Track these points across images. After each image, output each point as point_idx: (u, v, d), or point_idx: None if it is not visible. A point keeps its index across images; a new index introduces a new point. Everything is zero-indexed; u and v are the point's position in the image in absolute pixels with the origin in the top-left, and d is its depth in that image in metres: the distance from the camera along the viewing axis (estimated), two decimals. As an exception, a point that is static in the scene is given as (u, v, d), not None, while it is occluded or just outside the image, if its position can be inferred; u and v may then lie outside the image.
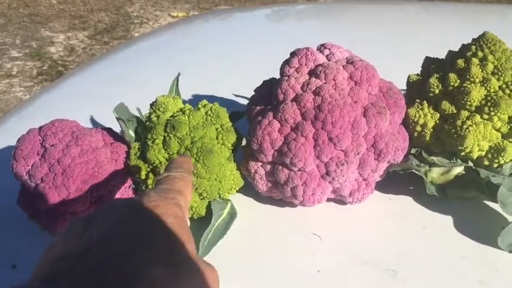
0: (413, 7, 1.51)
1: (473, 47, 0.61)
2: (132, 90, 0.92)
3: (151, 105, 0.60)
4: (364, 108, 0.58)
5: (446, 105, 0.61)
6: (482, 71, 0.60)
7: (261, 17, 1.71)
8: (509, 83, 0.59)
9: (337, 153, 0.57)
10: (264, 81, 0.66)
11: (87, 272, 0.27)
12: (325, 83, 0.58)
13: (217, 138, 0.59)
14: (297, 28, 1.51)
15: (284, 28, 1.51)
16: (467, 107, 0.59)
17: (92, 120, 0.83)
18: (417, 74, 0.67)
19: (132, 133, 0.62)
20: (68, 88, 0.99)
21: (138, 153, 0.59)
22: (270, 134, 0.58)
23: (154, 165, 0.57)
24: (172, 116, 0.59)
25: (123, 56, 1.19)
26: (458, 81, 0.61)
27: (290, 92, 0.59)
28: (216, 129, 0.60)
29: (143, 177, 0.59)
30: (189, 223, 0.35)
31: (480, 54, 0.60)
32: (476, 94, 0.59)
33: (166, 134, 0.58)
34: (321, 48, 0.65)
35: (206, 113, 0.61)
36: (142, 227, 0.31)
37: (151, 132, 0.58)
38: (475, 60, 0.60)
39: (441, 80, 0.62)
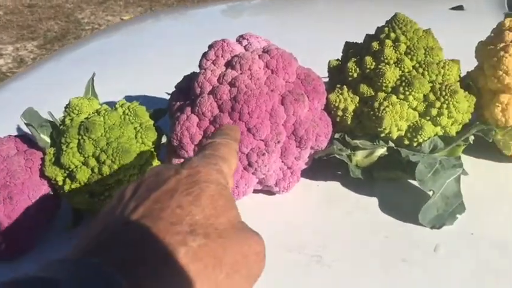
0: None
1: (386, 29, 0.62)
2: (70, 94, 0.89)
3: (65, 108, 0.59)
4: (281, 96, 0.58)
5: (364, 88, 0.62)
6: (395, 52, 0.61)
7: (217, 13, 1.70)
8: (422, 62, 0.60)
9: (257, 144, 0.57)
10: (184, 76, 0.65)
11: (126, 246, 0.27)
12: (240, 73, 0.58)
13: (136, 138, 0.58)
14: (252, 23, 1.50)
15: (240, 24, 1.50)
16: (384, 88, 0.60)
17: (19, 129, 0.80)
18: (337, 59, 0.67)
19: (47, 138, 0.60)
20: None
21: (53, 159, 0.57)
22: (189, 129, 0.57)
23: (70, 169, 0.56)
24: (86, 118, 0.58)
25: (65, 60, 1.16)
26: (374, 63, 0.62)
27: (207, 85, 0.58)
28: (135, 128, 0.58)
29: (60, 183, 0.57)
30: (232, 187, 0.35)
31: (393, 35, 0.61)
32: (391, 75, 0.59)
33: (80, 137, 0.56)
34: (240, 39, 0.64)
35: (124, 112, 0.59)
36: (182, 198, 0.31)
37: (65, 135, 0.56)
38: (388, 42, 0.61)
39: (358, 63, 0.63)
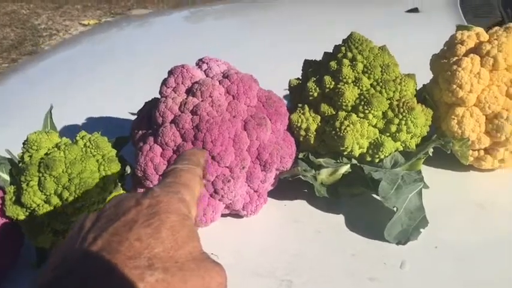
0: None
1: (343, 48, 0.63)
2: (26, 119, 0.86)
3: (24, 144, 0.57)
4: (244, 121, 0.58)
5: (325, 108, 0.62)
6: (353, 71, 0.62)
7: (179, 19, 1.68)
8: (379, 80, 0.61)
9: (222, 171, 0.57)
10: (145, 103, 0.65)
11: (83, 281, 0.27)
12: (202, 100, 0.58)
13: (99, 171, 0.57)
14: (215, 28, 1.49)
15: (202, 29, 1.49)
16: (344, 107, 0.61)
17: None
18: (297, 78, 0.68)
19: (6, 176, 0.58)
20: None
21: (14, 198, 0.55)
22: (153, 160, 0.57)
23: (31, 208, 0.54)
24: (46, 153, 0.56)
25: (22, 81, 1.13)
26: (333, 83, 0.62)
27: (168, 114, 0.57)
28: (97, 160, 0.57)
29: (22, 222, 0.55)
30: (194, 216, 0.34)
31: (350, 55, 0.62)
32: (350, 94, 0.60)
33: (40, 174, 0.54)
34: (199, 63, 0.64)
35: (85, 144, 0.58)
36: (141, 230, 0.30)
37: (25, 174, 0.54)
38: (345, 61, 0.62)
39: (318, 83, 0.64)
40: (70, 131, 0.67)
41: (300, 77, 0.69)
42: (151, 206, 0.32)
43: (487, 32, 0.66)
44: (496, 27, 0.66)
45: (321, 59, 0.67)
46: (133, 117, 0.65)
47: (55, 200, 0.54)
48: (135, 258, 0.28)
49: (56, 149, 0.57)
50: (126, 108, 0.84)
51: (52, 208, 0.54)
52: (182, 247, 0.30)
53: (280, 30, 1.32)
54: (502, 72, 0.61)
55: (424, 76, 0.69)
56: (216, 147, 0.55)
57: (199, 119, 0.56)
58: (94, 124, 0.84)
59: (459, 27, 0.70)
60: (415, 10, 1.27)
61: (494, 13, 1.28)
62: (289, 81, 0.68)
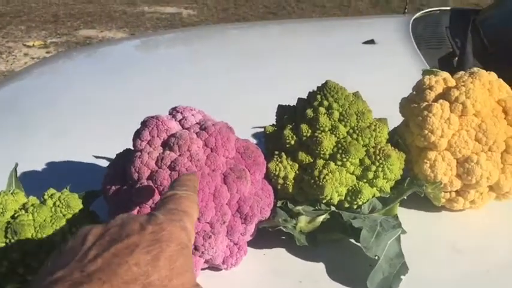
0: (277, 27, 1.57)
1: (319, 96, 0.63)
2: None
3: (-14, 207, 0.53)
4: (223, 174, 0.57)
5: (302, 156, 0.62)
6: (330, 119, 0.62)
7: (130, 48, 1.64)
8: (355, 127, 0.62)
9: (202, 227, 0.55)
10: (117, 155, 0.62)
11: None
12: (179, 155, 0.56)
13: (70, 231, 0.54)
14: (167, 56, 1.47)
15: (154, 57, 1.47)
16: (322, 155, 0.61)
17: None
18: (273, 125, 0.68)
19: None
20: None
21: (-23, 268, 0.51)
22: (129, 219, 0.54)
23: (-3, 279, 0.50)
24: (13, 216, 0.52)
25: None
26: (310, 131, 0.62)
27: (144, 170, 0.55)
28: (68, 220, 0.54)
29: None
30: (192, 244, 0.36)
31: (326, 103, 0.63)
32: (328, 143, 0.61)
33: (7, 241, 0.51)
34: (173, 112, 0.62)
35: (54, 204, 0.55)
36: (141, 256, 0.31)
37: (-11, 241, 0.50)
38: (322, 110, 0.62)
39: (294, 130, 0.64)
40: (33, 187, 0.63)
41: (275, 124, 0.68)
42: (154, 233, 0.33)
43: (452, 76, 0.69)
44: (461, 72, 0.69)
45: (294, 104, 0.67)
46: (100, 164, 0.63)
47: (21, 270, 0.50)
48: (131, 283, 0.30)
49: (23, 211, 0.53)
50: (91, 154, 0.80)
51: (18, 278, 0.50)
52: (176, 277, 0.31)
53: (231, 54, 1.33)
54: (471, 117, 0.63)
55: (387, 111, 0.69)
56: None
57: (178, 174, 0.54)
58: (59, 176, 0.79)
59: (425, 72, 0.72)
60: (371, 42, 1.31)
61: (445, 44, 1.34)
62: (265, 128, 0.67)
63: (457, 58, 1.25)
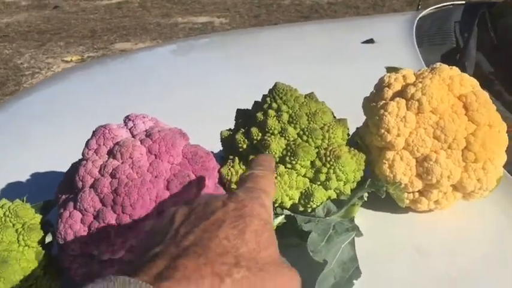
0: (275, 32, 1.56)
1: (268, 99, 0.62)
2: None
3: None
4: (167, 181, 0.57)
5: (253, 160, 0.62)
6: (279, 122, 0.61)
7: (167, 53, 1.66)
8: (306, 129, 0.61)
9: (144, 234, 0.55)
10: (72, 164, 0.64)
11: (182, 271, 0.30)
12: (122, 162, 0.57)
13: (18, 241, 0.56)
14: (207, 60, 1.46)
15: (190, 61, 1.48)
16: (271, 159, 0.60)
17: None
18: (229, 129, 0.67)
19: None
20: None
21: None
22: (72, 227, 0.55)
23: None
24: (-38, 226, 0.55)
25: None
26: (260, 134, 0.62)
27: (88, 178, 0.56)
28: (16, 230, 0.56)
29: None
30: (273, 222, 0.39)
31: (275, 105, 0.62)
32: (276, 146, 0.60)
33: (-45, 250, 0.53)
34: (126, 120, 0.64)
35: (4, 214, 0.57)
36: (229, 230, 0.34)
37: None
38: (271, 112, 0.62)
39: (246, 134, 0.63)
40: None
41: (231, 129, 0.68)
42: (237, 209, 0.36)
43: (416, 73, 0.66)
44: (424, 68, 0.66)
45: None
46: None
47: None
48: (224, 255, 0.32)
49: (-28, 221, 0.55)
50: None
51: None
52: (263, 250, 0.34)
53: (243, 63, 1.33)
54: (428, 114, 0.61)
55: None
56: (136, 210, 0.54)
57: (118, 182, 0.55)
58: (21, 187, 0.82)
59: (389, 69, 0.70)
60: (370, 41, 1.28)
61: (449, 40, 1.29)
62: (221, 133, 0.67)
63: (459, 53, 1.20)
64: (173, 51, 1.70)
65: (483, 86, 1.01)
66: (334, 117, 0.67)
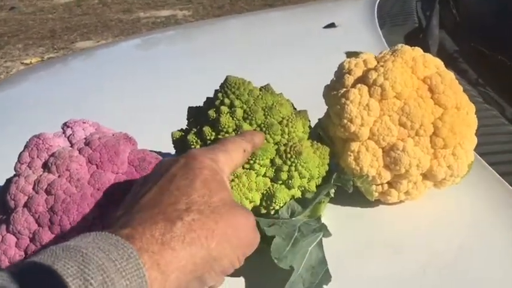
0: (235, 22, 1.51)
1: (220, 95, 0.57)
2: None
3: None
4: (111, 193, 0.51)
5: (208, 162, 0.56)
6: (233, 119, 0.56)
7: (131, 48, 1.60)
8: (262, 125, 0.56)
9: (89, 253, 0.50)
10: (7, 180, 0.57)
11: (139, 223, 0.34)
12: (58, 176, 0.51)
13: None
14: (168, 54, 1.41)
15: (154, 56, 1.41)
16: (227, 159, 0.55)
17: None
18: (181, 130, 0.62)
19: None
20: None
21: None
22: (7, 252, 0.49)
23: None
24: None
25: None
26: (213, 133, 0.56)
27: (20, 197, 0.50)
28: None
29: None
30: (227, 177, 0.41)
31: (227, 101, 0.56)
32: (231, 145, 0.55)
33: None
34: (64, 127, 0.57)
35: None
36: (180, 182, 0.37)
37: None
38: (224, 109, 0.56)
39: (198, 134, 0.58)
40: None
41: (183, 129, 0.62)
42: (187, 163, 0.39)
43: (377, 56, 0.62)
44: (385, 51, 0.62)
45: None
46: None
47: None
48: (175, 204, 0.35)
49: None
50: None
51: None
52: (215, 195, 0.36)
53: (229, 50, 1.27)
54: (392, 100, 0.57)
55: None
56: (77, 228, 0.48)
57: (54, 199, 0.49)
58: None
59: (349, 54, 0.65)
60: (332, 25, 1.24)
61: (411, 20, 1.26)
62: (172, 134, 0.61)
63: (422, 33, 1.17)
64: (136, 46, 1.63)
65: (448, 65, 0.99)
66: (295, 109, 0.63)
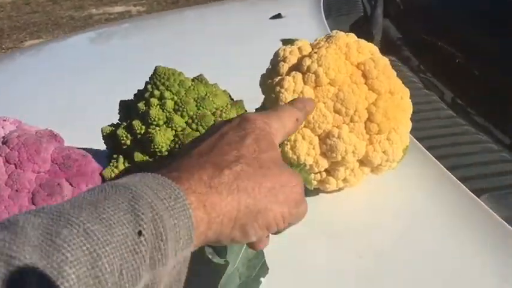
0: (177, 16, 1.47)
1: (149, 86, 0.55)
2: None
3: None
4: (32, 193, 0.48)
5: (139, 157, 0.54)
6: (163, 111, 0.54)
7: (85, 41, 1.53)
8: (195, 116, 0.54)
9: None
10: None
11: (189, 170, 0.34)
12: (-28, 178, 0.47)
13: None
14: (123, 47, 1.36)
15: (110, 50, 1.36)
16: (159, 153, 0.53)
17: None
18: (111, 125, 0.59)
19: None
20: None
21: None
22: None
23: None
24: None
25: None
26: (143, 127, 0.54)
27: None
28: None
29: None
30: (278, 142, 0.40)
31: (157, 93, 0.54)
32: (162, 138, 0.52)
33: None
34: (-18, 127, 0.54)
35: None
36: (231, 138, 0.37)
37: None
38: (153, 101, 0.54)
39: (129, 128, 0.55)
40: None
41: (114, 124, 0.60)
42: (240, 123, 0.38)
43: (312, 43, 0.61)
44: (320, 38, 0.61)
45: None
46: None
47: None
48: (225, 155, 0.35)
49: None
50: None
51: None
52: (264, 152, 0.36)
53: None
54: (326, 87, 0.56)
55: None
56: (-6, 233, 0.45)
57: (-32, 203, 0.46)
58: None
59: (284, 42, 0.64)
60: (278, 16, 1.23)
61: (357, 9, 1.27)
62: (102, 130, 0.59)
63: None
64: (85, 40, 1.57)
65: (391, 52, 1.00)
66: (232, 99, 0.61)
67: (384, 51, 1.04)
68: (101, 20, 5.43)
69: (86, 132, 0.61)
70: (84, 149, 0.62)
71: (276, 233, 0.38)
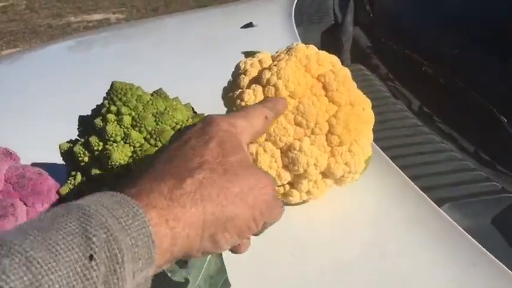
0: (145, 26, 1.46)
1: (106, 102, 0.54)
2: None
3: None
4: (-17, 215, 0.47)
5: (96, 173, 0.53)
6: (120, 127, 0.53)
7: (63, 50, 1.50)
8: (153, 132, 0.53)
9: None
10: None
11: (151, 180, 0.33)
12: None
13: None
14: (101, 56, 1.34)
15: (90, 58, 1.33)
16: (117, 170, 0.52)
17: None
18: (69, 141, 0.58)
19: None
20: None
21: None
22: None
23: None
24: None
25: None
26: (101, 144, 0.53)
27: None
28: None
29: None
30: (245, 143, 0.39)
31: (114, 108, 0.53)
32: (119, 155, 0.52)
33: None
34: None
35: None
36: (195, 143, 0.36)
37: None
38: (110, 117, 0.53)
39: (86, 145, 0.54)
40: None
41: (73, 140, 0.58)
42: (204, 127, 0.38)
43: (273, 55, 0.61)
44: (280, 50, 0.61)
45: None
46: None
47: None
48: (187, 162, 0.34)
49: None
50: None
51: None
52: (230, 155, 0.35)
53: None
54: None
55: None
56: None
57: None
58: None
59: (246, 54, 0.64)
60: (249, 25, 1.23)
61: (328, 17, 1.27)
62: (59, 146, 0.57)
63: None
64: (62, 49, 1.54)
65: (359, 60, 1.00)
66: (195, 112, 0.61)
67: (353, 59, 1.05)
68: (79, 28, 5.37)
69: (54, 145, 0.59)
70: (47, 164, 0.60)
71: (255, 235, 0.38)
